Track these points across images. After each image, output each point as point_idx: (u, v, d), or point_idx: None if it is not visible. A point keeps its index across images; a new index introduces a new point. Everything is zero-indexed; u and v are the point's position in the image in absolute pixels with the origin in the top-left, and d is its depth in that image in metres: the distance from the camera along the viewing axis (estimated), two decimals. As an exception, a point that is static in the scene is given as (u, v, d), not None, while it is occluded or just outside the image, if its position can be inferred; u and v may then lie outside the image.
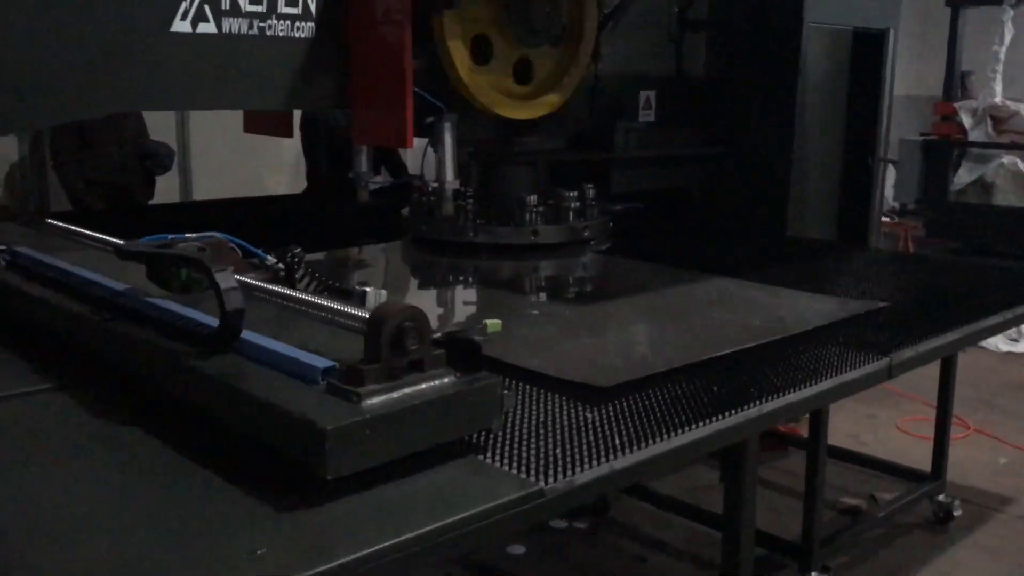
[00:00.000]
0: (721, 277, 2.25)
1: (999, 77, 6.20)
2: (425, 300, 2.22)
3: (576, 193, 2.60)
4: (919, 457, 2.86)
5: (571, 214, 2.57)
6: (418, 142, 2.18)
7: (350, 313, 1.22)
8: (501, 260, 2.49)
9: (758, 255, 2.67)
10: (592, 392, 1.43)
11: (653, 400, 1.40)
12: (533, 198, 2.53)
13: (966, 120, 6.54)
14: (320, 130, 4.21)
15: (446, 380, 1.15)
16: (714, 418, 1.34)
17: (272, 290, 1.38)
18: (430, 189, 2.60)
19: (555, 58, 2.50)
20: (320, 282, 1.64)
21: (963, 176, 6.67)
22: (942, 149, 6.48)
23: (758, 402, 1.40)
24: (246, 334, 1.27)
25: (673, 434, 1.28)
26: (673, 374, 1.51)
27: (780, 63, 2.88)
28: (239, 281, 1.32)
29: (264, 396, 1.13)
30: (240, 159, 4.56)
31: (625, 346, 1.82)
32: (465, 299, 2.29)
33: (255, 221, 3.14)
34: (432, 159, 2.51)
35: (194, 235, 1.59)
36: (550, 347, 1.72)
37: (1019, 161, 6.35)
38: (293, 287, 1.59)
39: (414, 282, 2.48)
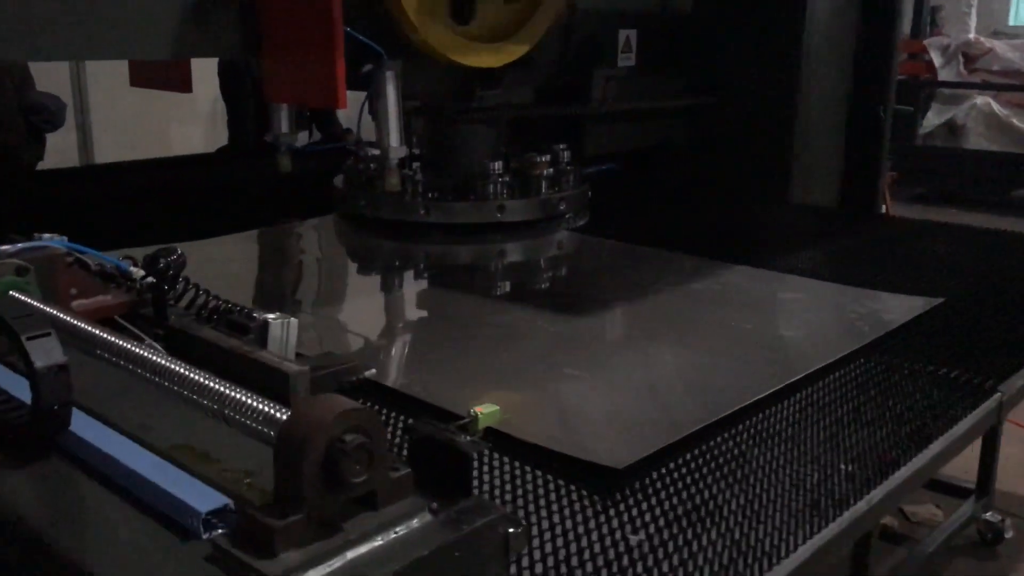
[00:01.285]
0: (733, 265, 1.82)
1: (974, 12, 5.83)
2: (361, 318, 1.71)
3: (548, 157, 2.14)
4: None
5: (543, 184, 2.11)
6: (352, 97, 1.68)
7: (246, 406, 0.75)
8: (457, 244, 2.03)
9: (764, 229, 2.25)
10: (597, 475, 0.98)
11: (695, 486, 0.96)
12: (497, 165, 2.06)
13: (936, 58, 6.19)
14: (243, 73, 3.64)
15: (415, 522, 0.69)
16: (810, 527, 0.90)
17: (119, 347, 0.90)
18: (368, 155, 2.11)
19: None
20: (205, 303, 1.14)
21: (931, 119, 6.35)
22: (909, 89, 6.13)
23: (857, 495, 0.97)
24: (81, 424, 0.81)
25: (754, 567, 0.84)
26: (710, 433, 1.08)
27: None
28: (80, 327, 0.85)
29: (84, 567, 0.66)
30: (147, 110, 3.98)
31: (634, 384, 1.31)
32: (416, 314, 1.77)
33: (157, 189, 2.62)
34: (370, 118, 2.03)
35: (21, 243, 1.11)
36: (528, 388, 1.27)
37: (992, 102, 6.04)
38: (163, 315, 1.12)
39: (346, 285, 1.96)
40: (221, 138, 3.88)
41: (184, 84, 1.88)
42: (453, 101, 2.07)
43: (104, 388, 0.90)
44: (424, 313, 1.76)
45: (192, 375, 0.82)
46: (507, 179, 2.06)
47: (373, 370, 1.09)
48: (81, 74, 4.02)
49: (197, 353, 1.03)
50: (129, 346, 0.89)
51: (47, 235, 1.34)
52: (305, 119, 3.34)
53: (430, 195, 2.05)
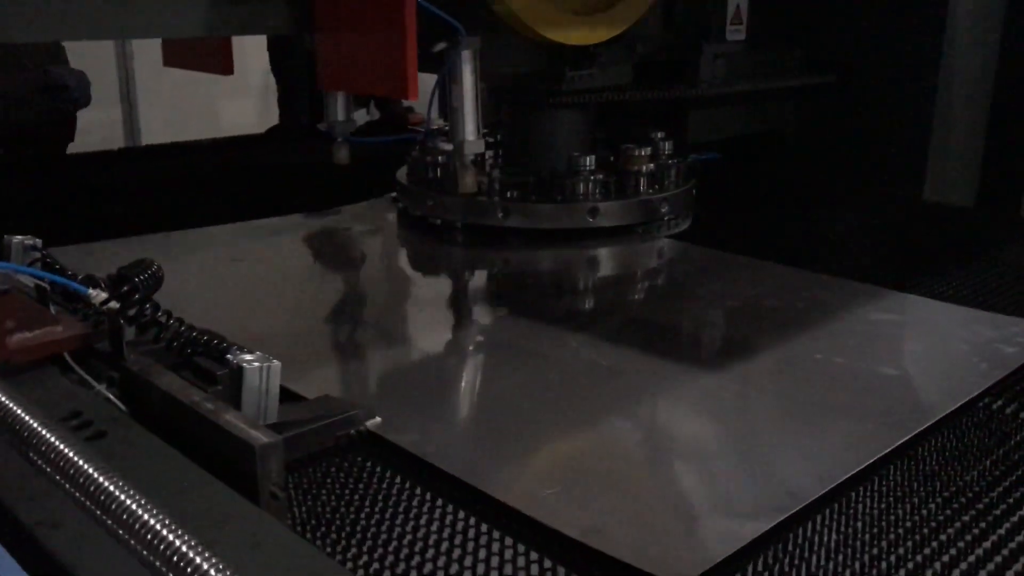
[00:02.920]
0: (889, 291, 1.47)
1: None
2: (402, 348, 1.33)
3: (648, 150, 1.81)
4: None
5: (642, 182, 1.79)
6: (423, 80, 1.37)
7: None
8: (537, 251, 1.71)
9: (905, 239, 1.89)
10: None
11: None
12: (589, 160, 1.74)
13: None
14: (295, 46, 3.35)
15: None
16: None
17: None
18: (437, 147, 1.81)
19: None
20: (175, 335, 0.92)
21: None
22: None
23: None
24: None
25: None
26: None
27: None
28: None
29: None
30: (195, 82, 3.71)
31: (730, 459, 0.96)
32: (471, 341, 1.36)
33: (199, 174, 2.36)
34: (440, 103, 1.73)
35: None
36: (621, 469, 0.94)
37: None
38: (119, 353, 0.89)
39: (396, 300, 1.57)
40: (274, 113, 3.61)
41: (224, 65, 1.59)
42: (539, 83, 1.75)
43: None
44: (481, 339, 1.40)
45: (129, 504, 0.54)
46: (600, 176, 1.74)
47: (378, 419, 0.94)
48: (127, 46, 3.77)
49: (155, 408, 0.85)
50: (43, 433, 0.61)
51: (18, 237, 1.11)
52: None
53: (509, 194, 1.74)
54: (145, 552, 0.54)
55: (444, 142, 1.75)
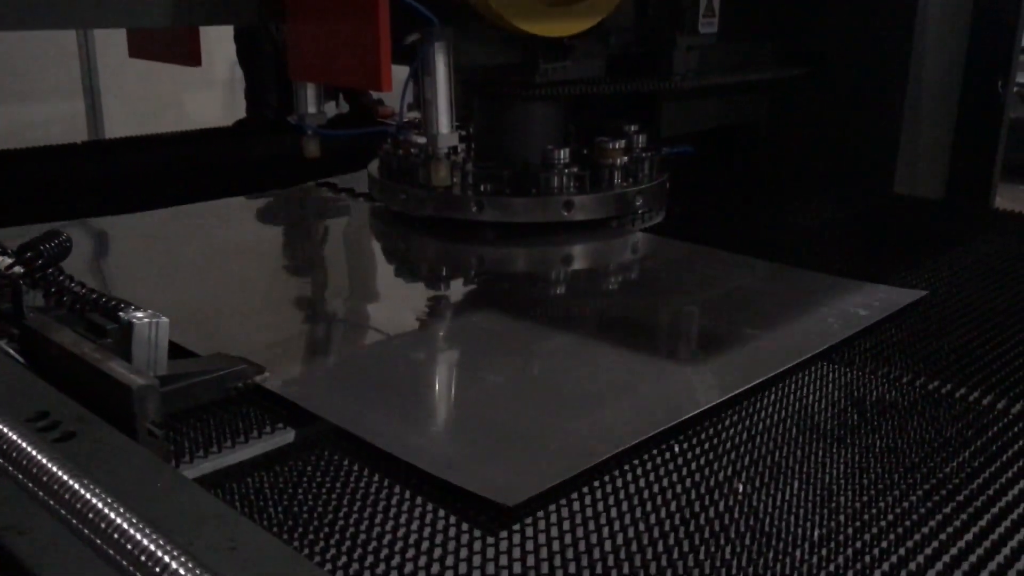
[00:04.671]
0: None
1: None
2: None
3: (622, 143, 1.80)
4: None
5: (616, 175, 1.78)
6: (395, 72, 1.35)
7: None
8: (511, 246, 1.70)
9: (881, 231, 1.90)
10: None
11: None
12: (563, 153, 1.73)
13: None
14: (262, 37, 3.30)
15: None
16: None
17: None
18: (409, 140, 1.79)
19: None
20: (76, 297, 1.00)
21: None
22: None
23: None
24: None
25: None
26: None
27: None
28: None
29: None
30: (160, 74, 3.65)
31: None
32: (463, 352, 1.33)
33: (164, 167, 2.32)
34: (412, 93, 1.71)
35: None
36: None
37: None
38: (20, 312, 0.97)
39: (374, 297, 1.59)
40: (240, 106, 3.56)
41: (192, 56, 1.55)
42: (512, 75, 1.73)
43: None
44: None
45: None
46: (575, 170, 1.73)
47: (267, 374, 1.04)
48: (89, 36, 3.70)
49: (52, 360, 0.91)
50: None
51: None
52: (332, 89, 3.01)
53: (483, 188, 1.73)
54: (118, 557, 0.52)
55: (417, 135, 1.73)
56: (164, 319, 0.94)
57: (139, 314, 0.94)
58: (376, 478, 0.87)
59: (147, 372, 0.89)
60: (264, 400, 1.02)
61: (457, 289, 1.56)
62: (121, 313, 0.94)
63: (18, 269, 1.00)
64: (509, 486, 0.85)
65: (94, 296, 0.99)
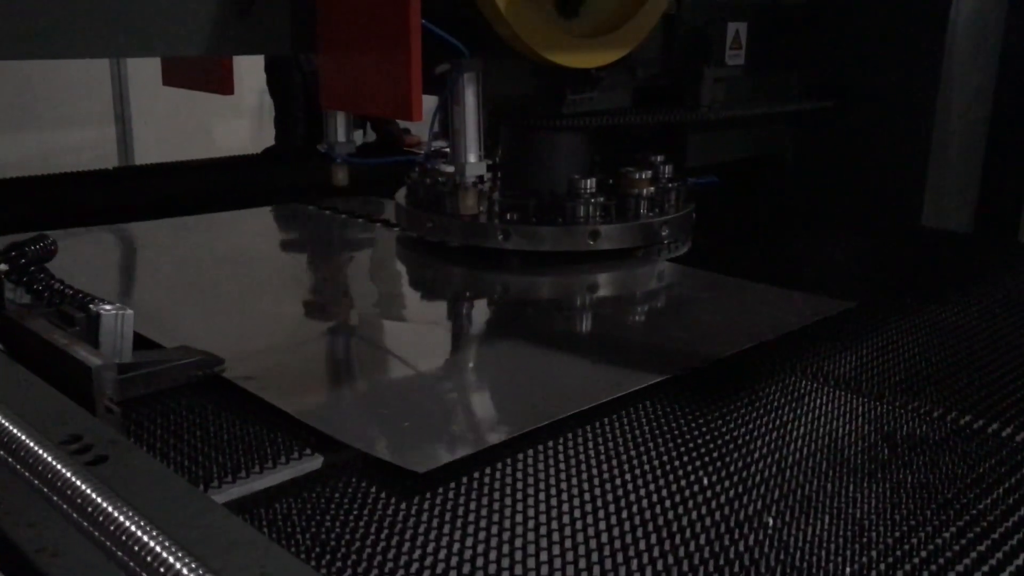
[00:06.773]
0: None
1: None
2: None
3: (648, 173, 1.81)
4: None
5: (643, 205, 1.78)
6: (423, 100, 1.37)
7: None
8: (536, 275, 1.70)
9: (909, 264, 1.89)
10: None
11: None
12: (589, 183, 1.74)
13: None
14: (292, 67, 3.35)
15: None
16: None
17: None
18: (437, 169, 1.80)
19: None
20: (54, 293, 1.12)
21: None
22: None
23: None
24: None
25: None
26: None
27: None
28: None
29: None
30: (190, 102, 3.70)
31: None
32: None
33: (193, 194, 2.34)
34: (439, 122, 1.73)
35: None
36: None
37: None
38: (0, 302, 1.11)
39: (399, 322, 1.58)
40: (269, 134, 3.60)
41: (224, 85, 1.58)
42: (540, 106, 1.75)
43: None
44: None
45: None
46: (601, 199, 1.73)
47: (224, 366, 1.13)
48: (121, 64, 3.76)
49: (26, 347, 1.02)
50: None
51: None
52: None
53: (509, 216, 1.74)
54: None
55: (444, 164, 1.74)
56: (129, 311, 1.06)
57: (107, 307, 1.06)
58: (403, 506, 0.87)
59: (111, 358, 0.99)
60: (291, 426, 1.02)
61: (481, 315, 1.56)
62: (92, 306, 1.06)
63: (3, 267, 1.12)
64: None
65: (71, 292, 1.11)
